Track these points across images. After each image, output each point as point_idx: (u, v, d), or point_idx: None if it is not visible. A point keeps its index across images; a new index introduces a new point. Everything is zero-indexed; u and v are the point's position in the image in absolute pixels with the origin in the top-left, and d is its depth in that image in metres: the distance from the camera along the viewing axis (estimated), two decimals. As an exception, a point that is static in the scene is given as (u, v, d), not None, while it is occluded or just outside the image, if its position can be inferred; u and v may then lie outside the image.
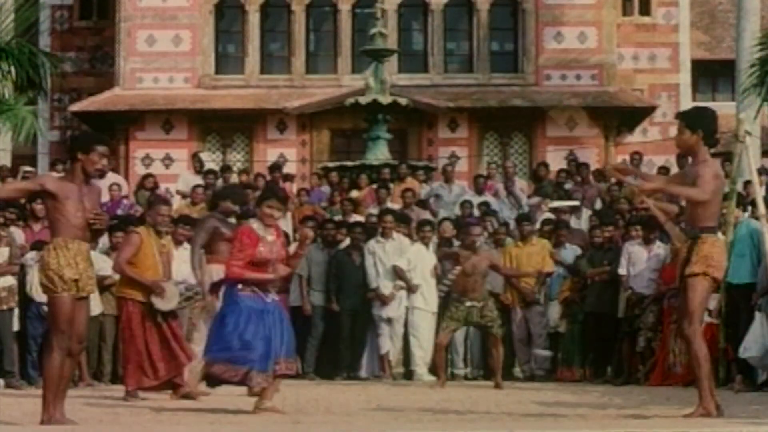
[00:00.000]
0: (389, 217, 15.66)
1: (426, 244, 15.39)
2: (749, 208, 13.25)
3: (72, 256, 8.21)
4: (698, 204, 8.38)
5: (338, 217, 17.38)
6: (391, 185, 19.32)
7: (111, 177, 20.15)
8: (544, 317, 15.35)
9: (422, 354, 15.15)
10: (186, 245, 13.43)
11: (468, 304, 13.33)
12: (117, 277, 12.61)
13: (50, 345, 8.26)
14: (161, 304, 11.14)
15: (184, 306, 11.94)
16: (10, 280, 13.18)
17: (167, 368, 11.11)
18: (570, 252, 15.62)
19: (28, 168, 20.06)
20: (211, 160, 25.95)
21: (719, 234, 8.74)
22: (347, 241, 15.72)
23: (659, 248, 14.29)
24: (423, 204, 18.43)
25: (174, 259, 11.95)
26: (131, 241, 11.44)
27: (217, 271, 11.15)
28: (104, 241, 14.93)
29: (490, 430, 7.96)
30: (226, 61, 29.24)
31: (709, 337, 12.52)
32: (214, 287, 11.21)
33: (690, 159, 8.77)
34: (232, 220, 12.35)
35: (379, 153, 23.01)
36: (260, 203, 9.50)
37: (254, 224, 9.43)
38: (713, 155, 8.76)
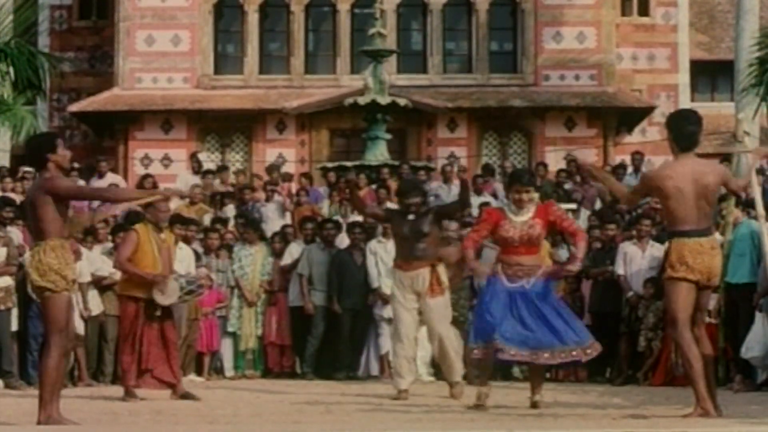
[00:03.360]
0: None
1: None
2: (748, 209, 13.23)
3: (68, 255, 8.25)
4: (675, 205, 8.37)
5: (336, 217, 17.38)
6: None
7: (110, 177, 20.17)
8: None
9: (423, 354, 15.10)
10: (182, 244, 13.46)
11: None
12: (117, 277, 12.64)
13: (49, 345, 8.25)
14: (161, 299, 11.16)
15: (186, 300, 11.96)
16: (8, 280, 13.14)
17: (157, 364, 11.17)
18: (567, 252, 15.60)
19: (27, 168, 20.00)
20: (209, 160, 25.96)
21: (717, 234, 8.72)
22: (347, 241, 15.72)
23: (653, 247, 14.29)
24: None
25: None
26: (129, 238, 11.49)
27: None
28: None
29: (490, 430, 7.95)
30: (225, 61, 29.23)
31: (708, 337, 12.55)
32: None
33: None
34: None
35: (378, 153, 23.01)
36: (509, 189, 10.21)
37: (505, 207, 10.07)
38: (711, 155, 8.76)
